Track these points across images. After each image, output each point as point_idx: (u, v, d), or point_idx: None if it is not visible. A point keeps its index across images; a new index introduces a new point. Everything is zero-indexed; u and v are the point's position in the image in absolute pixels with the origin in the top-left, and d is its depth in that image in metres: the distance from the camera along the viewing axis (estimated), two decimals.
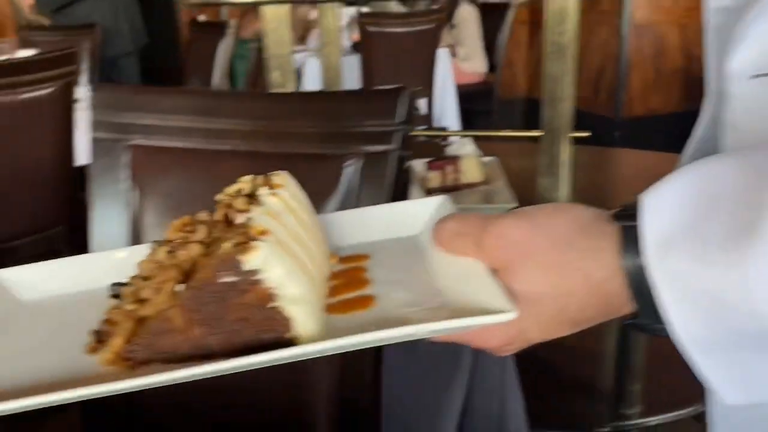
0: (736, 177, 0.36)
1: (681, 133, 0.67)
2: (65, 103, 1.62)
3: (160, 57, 6.83)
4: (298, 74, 3.83)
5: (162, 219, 0.88)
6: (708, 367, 0.37)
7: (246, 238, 0.42)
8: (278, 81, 1.14)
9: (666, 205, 0.37)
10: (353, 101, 0.80)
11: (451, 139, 1.58)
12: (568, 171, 1.13)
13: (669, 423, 1.20)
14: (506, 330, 0.43)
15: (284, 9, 1.10)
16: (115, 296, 0.51)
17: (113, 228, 0.89)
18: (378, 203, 0.79)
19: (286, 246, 0.45)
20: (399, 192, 0.79)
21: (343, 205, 0.80)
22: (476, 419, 0.62)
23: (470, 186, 1.22)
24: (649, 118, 3.76)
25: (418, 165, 1.26)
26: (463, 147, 1.23)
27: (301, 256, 0.46)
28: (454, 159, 1.20)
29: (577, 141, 1.26)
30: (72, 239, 1.80)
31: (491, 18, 4.26)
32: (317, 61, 3.64)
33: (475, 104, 4.27)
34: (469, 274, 0.46)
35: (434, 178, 1.20)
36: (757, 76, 0.47)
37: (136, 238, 0.88)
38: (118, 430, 0.91)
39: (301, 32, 4.31)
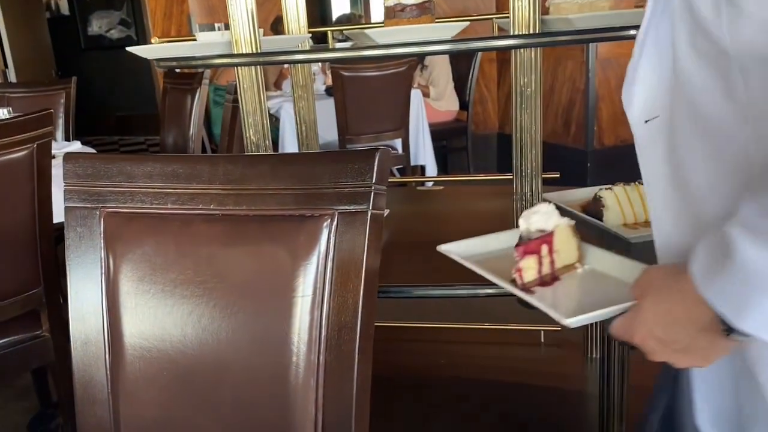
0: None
1: None
2: (42, 164, 1.62)
3: (139, 107, 6.88)
4: (276, 118, 3.86)
5: (137, 285, 0.88)
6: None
7: None
8: (253, 140, 1.16)
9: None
10: (327, 162, 0.81)
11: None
12: None
13: None
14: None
15: (257, 69, 1.12)
16: None
17: (90, 296, 0.89)
18: (356, 262, 0.80)
19: None
20: (374, 251, 0.80)
21: (323, 265, 0.81)
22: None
23: (570, 269, 0.90)
24: (619, 147, 3.84)
25: None
26: (549, 215, 0.91)
27: None
28: (548, 236, 0.88)
29: (547, 181, 1.29)
30: (50, 299, 1.78)
31: (461, 57, 4.34)
32: (292, 105, 3.69)
33: (450, 141, 4.34)
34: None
35: (529, 269, 0.87)
36: (647, 121, 0.52)
37: (112, 306, 0.88)
38: None
39: (276, 78, 4.37)
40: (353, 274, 0.80)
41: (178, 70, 4.00)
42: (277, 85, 4.34)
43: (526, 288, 0.86)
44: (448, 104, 4.27)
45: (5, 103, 3.15)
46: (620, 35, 0.98)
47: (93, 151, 2.79)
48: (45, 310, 1.79)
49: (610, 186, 1.17)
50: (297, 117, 1.51)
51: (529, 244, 0.87)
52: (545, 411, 1.36)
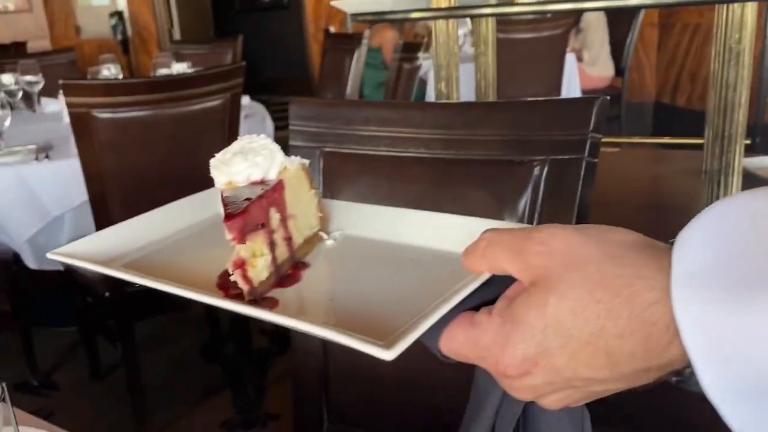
0: None
1: None
2: (232, 113, 1.76)
3: (288, 68, 7.19)
4: (423, 81, 3.90)
5: None
6: (737, 419, 0.33)
7: None
8: (443, 92, 1.20)
9: (696, 239, 0.34)
10: (541, 110, 0.84)
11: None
12: (740, 180, 1.11)
13: None
14: (523, 347, 0.38)
15: (453, 23, 1.16)
16: None
17: None
18: (566, 210, 0.82)
19: None
20: (586, 200, 0.82)
21: (530, 212, 0.84)
22: None
23: (312, 245, 0.66)
24: None
25: None
26: (266, 153, 0.57)
27: None
28: (274, 190, 0.58)
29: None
30: None
31: (619, 21, 4.15)
32: None
33: None
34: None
35: (259, 260, 0.59)
36: None
37: None
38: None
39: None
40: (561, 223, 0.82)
41: (332, 30, 4.15)
42: (426, 48, 4.38)
43: (261, 297, 0.51)
44: (602, 69, 4.11)
45: (182, 59, 3.42)
46: None
47: (261, 106, 2.98)
48: None
49: None
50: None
51: (248, 212, 0.50)
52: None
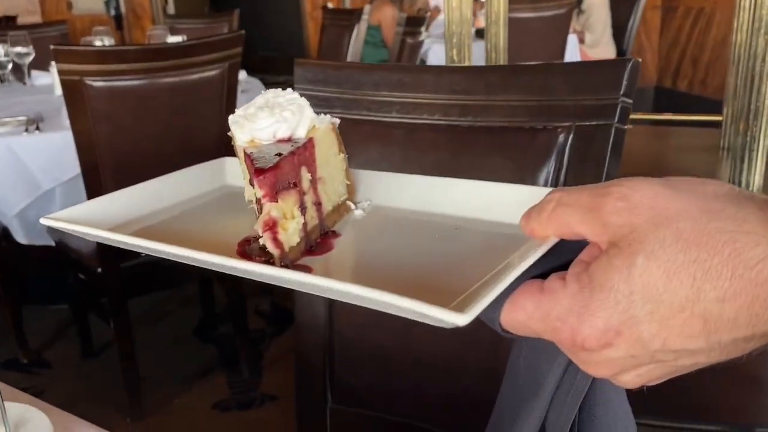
0: None
1: None
2: (231, 83, 1.70)
3: (284, 48, 7.08)
4: (423, 60, 3.84)
5: None
6: None
7: None
8: (455, 60, 1.15)
9: None
10: (567, 74, 0.79)
11: None
12: (765, 155, 1.06)
13: None
14: (605, 315, 0.33)
15: None
16: None
17: None
18: (592, 180, 0.77)
19: None
20: (614, 168, 0.77)
21: (553, 181, 0.79)
22: None
23: (340, 214, 0.62)
24: None
25: None
26: (294, 108, 0.55)
27: None
28: (305, 148, 0.56)
29: None
30: None
31: (621, 3, 4.09)
32: (441, 47, 3.64)
33: None
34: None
35: (290, 223, 0.61)
36: None
37: None
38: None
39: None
40: None
41: (330, 5, 4.07)
42: (428, 26, 4.30)
43: (293, 264, 0.46)
44: (603, 52, 4.06)
45: (177, 32, 3.34)
46: None
47: (258, 81, 2.91)
48: None
49: None
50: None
51: (280, 167, 0.45)
52: None
